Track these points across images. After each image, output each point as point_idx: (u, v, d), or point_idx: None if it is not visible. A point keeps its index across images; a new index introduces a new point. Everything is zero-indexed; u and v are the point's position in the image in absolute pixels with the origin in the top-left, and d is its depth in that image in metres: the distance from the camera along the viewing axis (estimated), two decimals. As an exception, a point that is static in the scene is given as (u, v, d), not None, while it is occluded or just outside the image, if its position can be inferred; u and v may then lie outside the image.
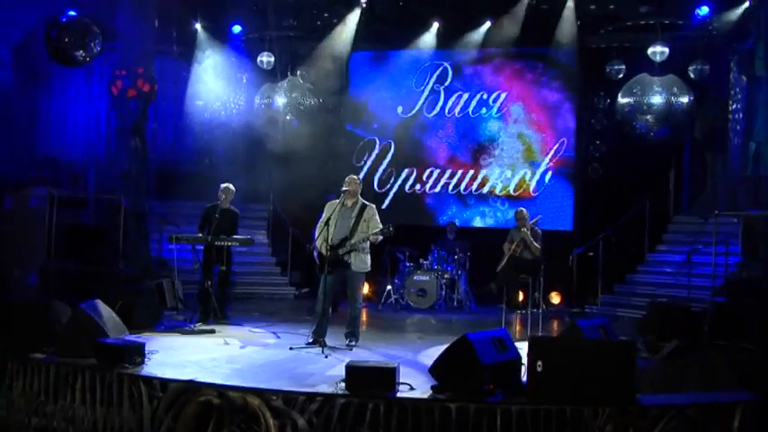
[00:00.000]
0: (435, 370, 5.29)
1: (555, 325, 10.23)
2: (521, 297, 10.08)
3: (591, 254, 11.95)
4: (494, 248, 11.29)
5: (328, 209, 7.44)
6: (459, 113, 13.43)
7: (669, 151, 12.65)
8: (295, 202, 13.71)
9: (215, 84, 13.28)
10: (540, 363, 5.12)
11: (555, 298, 11.98)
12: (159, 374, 5.53)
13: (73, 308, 6.75)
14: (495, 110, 13.27)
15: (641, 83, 11.84)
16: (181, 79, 13.21)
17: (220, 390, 5.24)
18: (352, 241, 7.20)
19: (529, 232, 9.14)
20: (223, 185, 9.30)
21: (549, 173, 12.99)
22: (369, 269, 7.48)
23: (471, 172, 13.31)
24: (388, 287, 11.75)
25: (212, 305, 8.70)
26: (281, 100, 13.33)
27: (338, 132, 13.98)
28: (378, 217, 7.39)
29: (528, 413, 4.98)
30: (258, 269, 13.22)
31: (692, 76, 11.74)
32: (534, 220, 9.32)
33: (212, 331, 8.04)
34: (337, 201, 7.45)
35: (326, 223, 7.16)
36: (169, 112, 13.56)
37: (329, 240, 7.15)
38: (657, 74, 11.73)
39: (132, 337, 6.89)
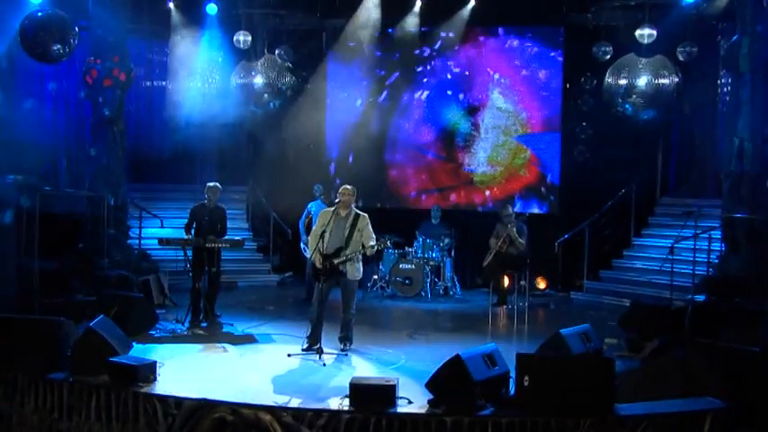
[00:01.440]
0: (431, 385, 6.25)
1: (541, 315, 11.27)
2: (507, 282, 11.08)
3: (579, 239, 12.93)
4: (479, 232, 12.31)
5: (323, 217, 8.30)
6: (442, 95, 14.27)
7: (657, 132, 13.60)
8: (274, 183, 14.55)
9: (189, 64, 13.92)
10: (526, 378, 6.10)
11: (541, 283, 13.02)
12: (172, 391, 6.41)
13: (80, 325, 7.71)
14: (478, 91, 14.11)
15: (628, 64, 12.68)
16: (154, 60, 13.83)
17: (233, 407, 6.16)
18: (348, 252, 8.08)
19: (514, 229, 10.08)
20: (209, 185, 10.07)
21: (535, 155, 13.94)
22: (361, 276, 8.41)
23: (455, 156, 14.27)
24: (374, 276, 12.69)
25: (203, 305, 9.61)
26: (258, 79, 13.97)
27: (319, 112, 14.68)
28: (371, 227, 8.27)
29: (516, 425, 5.97)
30: (239, 255, 13.99)
31: (680, 57, 12.59)
32: (521, 217, 10.25)
33: (207, 334, 8.93)
34: (331, 209, 8.32)
35: (321, 235, 8.04)
36: (141, 94, 14.16)
37: (323, 250, 8.05)
38: (645, 54, 12.58)
39: (136, 346, 7.81)
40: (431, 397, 6.25)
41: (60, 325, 7.07)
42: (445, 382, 6.16)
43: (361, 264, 8.34)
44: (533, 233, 11.74)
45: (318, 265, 8.13)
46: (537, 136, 13.98)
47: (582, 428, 5.98)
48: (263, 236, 14.59)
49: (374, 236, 8.26)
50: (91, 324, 7.06)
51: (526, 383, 6.10)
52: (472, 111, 14.17)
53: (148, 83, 14.05)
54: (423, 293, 12.39)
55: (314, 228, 8.55)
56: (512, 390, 6.35)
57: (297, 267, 13.72)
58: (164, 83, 14.03)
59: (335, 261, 8.11)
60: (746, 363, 7.07)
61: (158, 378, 6.72)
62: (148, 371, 6.59)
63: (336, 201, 8.30)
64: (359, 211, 8.33)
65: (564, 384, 6.04)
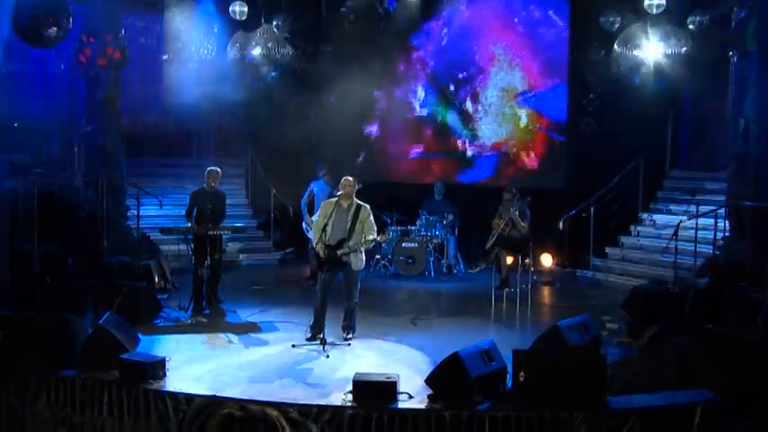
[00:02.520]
0: (431, 381, 6.93)
1: (545, 296, 11.93)
2: (510, 261, 11.70)
3: (584, 215, 13.50)
4: (483, 208, 12.85)
5: (325, 208, 8.97)
6: (445, 63, 14.77)
7: (667, 103, 14.07)
8: (274, 157, 15.14)
9: (184, 36, 14.43)
10: (522, 373, 6.78)
11: (547, 260, 13.66)
12: (181, 387, 7.11)
13: (84, 315, 8.42)
14: (482, 60, 14.62)
15: (637, 33, 13.10)
16: (146, 33, 14.31)
17: (241, 403, 6.86)
18: (350, 244, 8.73)
19: (517, 212, 10.71)
20: (209, 169, 10.69)
21: (540, 128, 14.50)
22: (364, 266, 9.11)
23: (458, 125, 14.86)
24: (377, 256, 13.33)
25: (206, 292, 10.29)
26: (255, 51, 14.41)
27: (318, 83, 15.17)
28: (372, 218, 8.93)
29: (512, 419, 6.67)
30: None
31: (690, 27, 13.00)
32: (523, 201, 10.86)
33: (210, 323, 9.62)
34: (333, 200, 8.98)
35: (324, 228, 8.70)
36: (136, 67, 14.63)
37: (326, 241, 8.72)
38: (654, 23, 12.98)
39: (142, 338, 8.52)
40: (431, 391, 6.94)
41: (68, 322, 7.74)
42: (444, 379, 6.83)
43: (363, 254, 9.00)
44: (539, 208, 12.33)
45: (322, 254, 8.78)
46: (542, 106, 14.51)
47: (575, 422, 6.67)
48: (263, 212, 15.20)
49: (375, 228, 8.92)
50: (100, 322, 7.74)
51: (522, 379, 6.77)
52: (471, 81, 14.70)
53: (140, 56, 14.48)
54: (426, 273, 13.03)
55: (317, 219, 9.22)
56: (509, 383, 7.02)
57: (298, 244, 14.35)
58: (159, 56, 14.51)
59: (338, 252, 8.76)
60: (745, 351, 7.71)
61: (167, 373, 7.40)
62: (158, 368, 7.27)
63: (338, 193, 8.94)
64: (360, 203, 8.96)
65: (558, 379, 6.71)
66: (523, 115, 14.73)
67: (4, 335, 7.69)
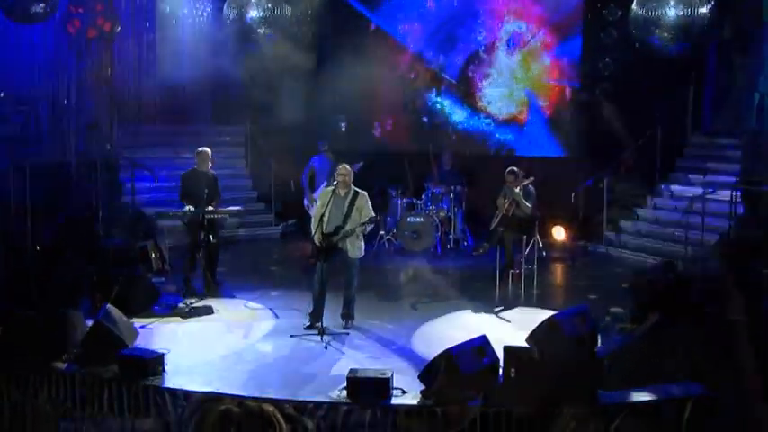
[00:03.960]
0: (423, 377, 7.74)
1: (553, 275, 12.64)
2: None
3: (600, 185, 14.12)
4: (491, 180, 13.48)
5: (323, 198, 9.74)
6: (453, 27, 15.38)
7: (689, 65, 14.54)
8: (273, 123, 15.80)
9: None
10: (513, 369, 7.57)
11: (558, 234, 14.32)
12: (179, 382, 7.94)
13: (81, 304, 9.29)
14: (492, 25, 15.21)
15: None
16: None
17: (239, 400, 7.69)
18: (346, 229, 9.50)
19: (521, 192, 11.41)
20: (199, 150, 11.38)
21: (554, 93, 15.09)
22: (363, 254, 9.86)
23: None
24: (381, 232, 14.04)
25: (204, 275, 11.11)
26: (253, 12, 14.97)
27: (321, 46, 15.76)
28: (370, 204, 9.67)
29: (503, 414, 7.47)
30: (239, 206, 15.26)
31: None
32: (527, 181, 11.54)
33: (209, 310, 10.45)
34: (330, 189, 9.73)
35: (321, 217, 9.46)
36: (127, 31, 15.27)
37: (324, 230, 9.49)
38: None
39: (140, 327, 9.35)
40: (423, 388, 7.75)
41: (66, 317, 8.57)
42: (436, 376, 7.63)
43: (362, 242, 9.77)
44: (552, 177, 12.97)
45: (319, 243, 9.57)
46: (556, 71, 15.06)
47: (565, 417, 7.46)
48: (263, 183, 15.91)
49: (373, 214, 9.66)
50: (98, 317, 8.55)
51: (513, 375, 7.56)
52: (483, 44, 15.34)
53: (132, 19, 15.08)
54: (432, 249, 13.71)
55: (315, 206, 9.98)
56: (501, 378, 7.80)
57: (300, 215, 15.04)
58: (147, 19, 15.14)
59: (334, 239, 9.54)
60: (747, 339, 8.36)
61: (166, 368, 8.24)
62: (157, 363, 8.10)
63: (335, 182, 9.69)
64: (358, 190, 9.71)
65: (550, 375, 7.48)
66: (538, 76, 15.32)
67: (3, 330, 8.54)
